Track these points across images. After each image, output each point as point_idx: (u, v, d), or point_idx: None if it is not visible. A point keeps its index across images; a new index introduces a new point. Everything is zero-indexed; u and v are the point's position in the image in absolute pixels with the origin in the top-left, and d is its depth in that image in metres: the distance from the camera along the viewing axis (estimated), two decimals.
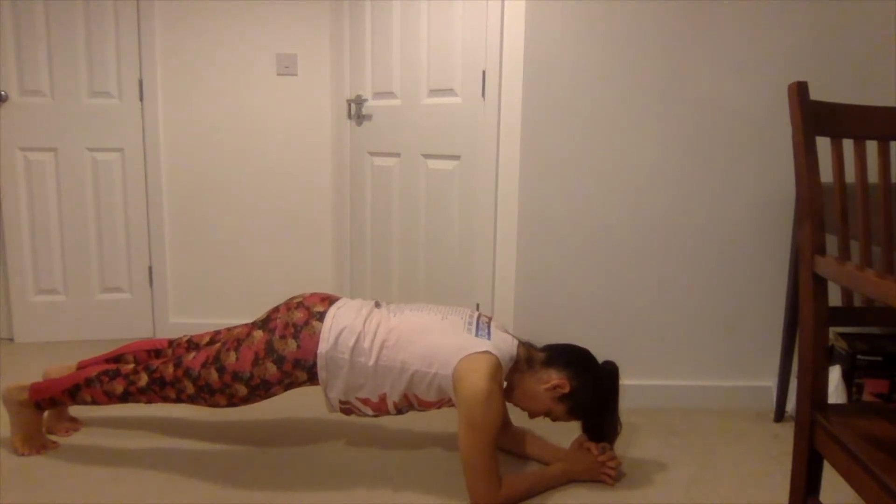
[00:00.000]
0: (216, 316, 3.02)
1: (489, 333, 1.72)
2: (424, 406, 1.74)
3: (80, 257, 2.90)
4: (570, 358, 1.76)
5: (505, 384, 1.79)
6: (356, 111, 2.75)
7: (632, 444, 2.05)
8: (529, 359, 1.77)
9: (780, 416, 2.22)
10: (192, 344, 2.00)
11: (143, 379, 1.79)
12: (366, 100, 2.73)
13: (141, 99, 2.83)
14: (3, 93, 2.73)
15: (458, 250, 2.48)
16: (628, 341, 2.30)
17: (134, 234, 2.93)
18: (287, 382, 1.73)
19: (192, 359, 1.76)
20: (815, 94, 1.25)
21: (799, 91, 1.19)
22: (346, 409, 1.78)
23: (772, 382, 2.30)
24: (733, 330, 2.30)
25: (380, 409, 1.75)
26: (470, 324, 1.74)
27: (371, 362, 1.68)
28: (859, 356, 2.08)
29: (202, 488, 1.74)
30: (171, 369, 1.77)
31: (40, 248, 2.86)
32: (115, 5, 2.75)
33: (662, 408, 2.32)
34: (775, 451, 2.02)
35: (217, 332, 1.98)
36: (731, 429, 2.17)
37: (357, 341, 1.69)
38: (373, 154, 2.74)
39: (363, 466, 1.88)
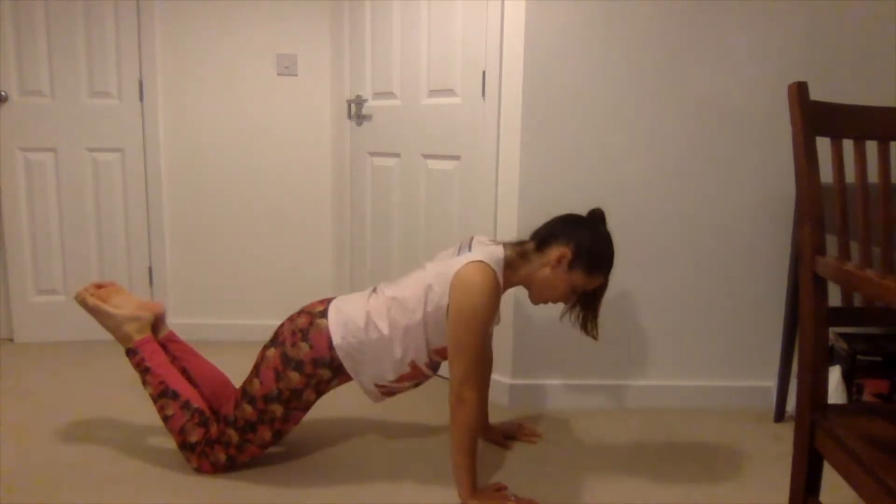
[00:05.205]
0: (216, 316, 3.02)
1: (470, 248, 1.74)
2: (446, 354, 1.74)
3: (80, 257, 2.90)
4: (556, 227, 1.76)
5: (528, 291, 1.79)
6: (356, 111, 2.75)
7: (631, 444, 2.05)
8: (523, 253, 1.76)
9: (780, 416, 2.22)
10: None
11: (199, 433, 1.79)
12: (366, 100, 2.73)
13: (141, 99, 2.83)
14: (3, 93, 2.73)
15: None
16: (628, 341, 2.30)
17: (134, 234, 2.93)
18: (314, 384, 1.74)
19: (226, 409, 1.79)
20: (815, 94, 1.25)
21: (799, 91, 1.19)
22: (386, 391, 1.80)
23: (772, 382, 2.30)
24: (733, 330, 2.30)
25: (416, 376, 1.77)
26: (454, 254, 1.77)
27: (386, 332, 1.70)
28: (859, 356, 2.08)
29: (202, 488, 1.74)
30: (214, 427, 1.78)
31: (40, 248, 2.86)
32: (115, 5, 2.75)
33: (662, 408, 2.32)
34: (775, 451, 2.02)
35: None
36: (731, 429, 2.17)
37: (367, 321, 1.71)
38: (373, 154, 2.74)
39: (367, 466, 1.88)
